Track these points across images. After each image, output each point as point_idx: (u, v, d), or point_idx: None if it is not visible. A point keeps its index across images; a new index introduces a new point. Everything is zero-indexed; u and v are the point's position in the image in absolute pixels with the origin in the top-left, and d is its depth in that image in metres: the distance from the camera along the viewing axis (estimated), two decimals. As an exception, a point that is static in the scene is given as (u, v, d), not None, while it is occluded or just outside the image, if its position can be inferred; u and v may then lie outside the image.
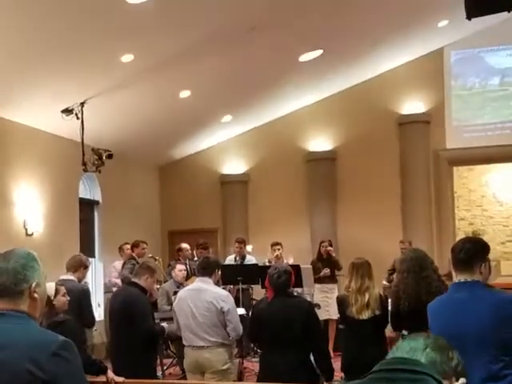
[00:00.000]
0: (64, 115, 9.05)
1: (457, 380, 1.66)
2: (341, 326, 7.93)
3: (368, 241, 11.71)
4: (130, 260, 9.43)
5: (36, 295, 2.24)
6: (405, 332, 5.36)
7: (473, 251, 3.46)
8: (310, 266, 9.52)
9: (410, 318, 5.19)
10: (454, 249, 3.53)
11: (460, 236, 12.25)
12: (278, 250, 9.93)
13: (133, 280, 5.93)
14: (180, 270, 8.82)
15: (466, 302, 3.36)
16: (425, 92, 12.75)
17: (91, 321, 6.48)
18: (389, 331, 5.86)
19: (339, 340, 8.92)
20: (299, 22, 8.89)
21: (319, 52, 10.35)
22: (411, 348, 1.69)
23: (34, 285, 2.24)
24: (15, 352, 2.09)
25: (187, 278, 8.99)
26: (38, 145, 9.77)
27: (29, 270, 2.24)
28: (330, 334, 9.73)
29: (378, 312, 5.67)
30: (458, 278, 3.47)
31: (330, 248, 10.17)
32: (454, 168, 13.39)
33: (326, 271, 9.84)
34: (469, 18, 5.81)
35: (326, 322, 9.52)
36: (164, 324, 6.45)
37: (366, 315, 5.62)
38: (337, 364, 5.97)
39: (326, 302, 9.71)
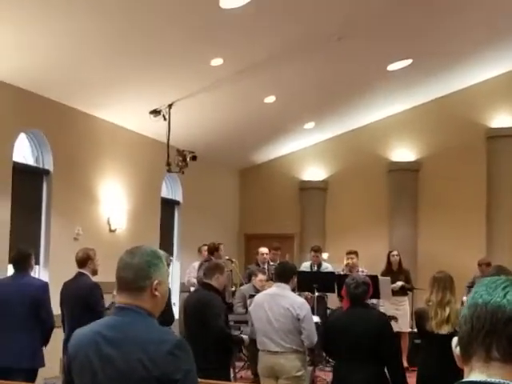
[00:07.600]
0: (152, 116, 9.25)
1: None
2: (416, 341, 7.76)
3: (449, 255, 11.41)
4: (206, 261, 9.44)
5: (157, 293, 2.27)
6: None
7: None
8: (389, 278, 9.35)
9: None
10: None
11: (547, 257, 11.77)
12: (352, 259, 9.71)
13: (205, 281, 5.87)
14: (261, 279, 8.78)
15: None
16: (516, 106, 12.35)
17: (171, 319, 6.50)
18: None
19: (413, 355, 8.75)
20: (389, 31, 8.79)
21: (409, 61, 10.18)
22: None
23: (155, 282, 2.27)
24: (132, 346, 2.17)
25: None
26: (126, 144, 10.03)
27: (152, 267, 2.28)
28: (403, 347, 9.57)
29: (458, 328, 5.49)
30: None
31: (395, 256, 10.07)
32: (544, 186, 12.89)
33: (398, 284, 9.65)
34: None
35: (398, 334, 9.35)
36: (245, 336, 6.36)
37: (445, 330, 5.43)
38: (412, 380, 5.84)
39: (395, 314, 9.55)
